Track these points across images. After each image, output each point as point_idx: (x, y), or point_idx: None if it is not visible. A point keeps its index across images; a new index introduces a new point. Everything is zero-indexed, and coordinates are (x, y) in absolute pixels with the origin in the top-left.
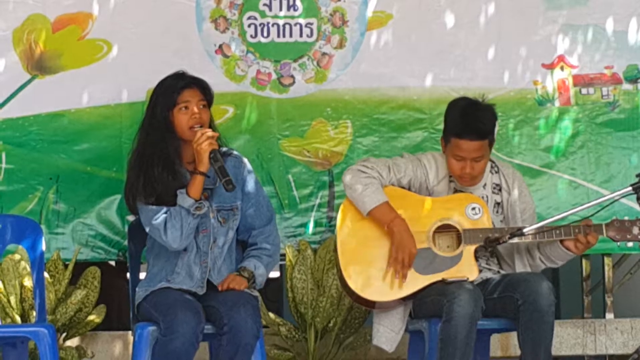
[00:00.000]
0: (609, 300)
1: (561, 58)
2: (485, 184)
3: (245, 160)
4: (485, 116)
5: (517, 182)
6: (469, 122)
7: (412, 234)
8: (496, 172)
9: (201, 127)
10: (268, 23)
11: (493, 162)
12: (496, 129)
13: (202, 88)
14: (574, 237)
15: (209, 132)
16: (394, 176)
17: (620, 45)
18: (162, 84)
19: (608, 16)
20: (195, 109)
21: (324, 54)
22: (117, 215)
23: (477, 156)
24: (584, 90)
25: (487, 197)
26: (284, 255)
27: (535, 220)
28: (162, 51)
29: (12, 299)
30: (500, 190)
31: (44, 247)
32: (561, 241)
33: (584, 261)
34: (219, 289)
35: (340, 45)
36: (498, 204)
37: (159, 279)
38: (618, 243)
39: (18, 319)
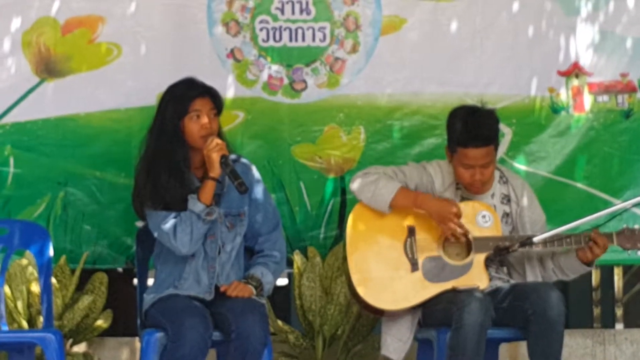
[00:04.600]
0: (618, 311)
1: (576, 65)
2: (493, 194)
3: (254, 167)
4: (488, 122)
5: (527, 192)
6: (473, 129)
7: (441, 199)
8: (505, 183)
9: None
10: (280, 27)
11: (502, 172)
12: (504, 132)
13: (213, 97)
14: (588, 245)
15: (219, 140)
16: (402, 178)
17: (636, 53)
18: (172, 90)
19: (624, 23)
20: (206, 119)
21: (337, 58)
22: (126, 221)
23: (485, 162)
24: (599, 98)
25: (495, 206)
26: (292, 262)
27: (546, 231)
28: (173, 55)
29: (19, 304)
30: (509, 201)
31: (51, 253)
32: (577, 255)
33: (593, 271)
34: (221, 290)
35: (354, 49)
36: (507, 214)
37: (166, 285)
38: (629, 252)
39: (25, 324)
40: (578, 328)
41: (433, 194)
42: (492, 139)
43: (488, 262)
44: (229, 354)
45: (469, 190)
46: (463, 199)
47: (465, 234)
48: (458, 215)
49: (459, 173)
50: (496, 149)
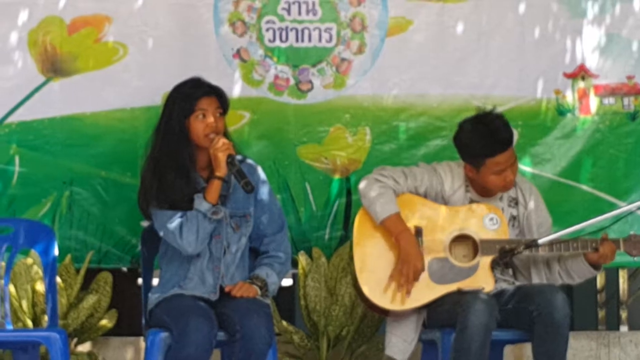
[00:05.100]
0: (623, 313)
1: (582, 67)
2: (501, 197)
3: (259, 168)
4: (503, 123)
5: (534, 196)
6: (495, 136)
7: (419, 249)
8: (513, 186)
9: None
10: (287, 27)
11: None
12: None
13: (219, 96)
14: (594, 249)
15: (226, 140)
16: (412, 183)
17: None
18: (178, 90)
19: (630, 26)
20: (212, 118)
21: (343, 59)
22: (131, 221)
23: (513, 160)
24: (605, 101)
25: (502, 209)
26: (297, 263)
27: (551, 234)
28: (179, 55)
29: (24, 303)
30: (516, 204)
31: (56, 252)
32: (585, 256)
33: (599, 274)
34: (226, 290)
35: (360, 50)
36: (514, 217)
37: (171, 284)
38: (634, 258)
39: (30, 323)
40: (583, 330)
41: (442, 197)
42: (512, 138)
43: (494, 265)
44: (234, 354)
45: (503, 191)
46: (472, 201)
47: (408, 290)
48: (417, 272)
49: (492, 181)
50: None
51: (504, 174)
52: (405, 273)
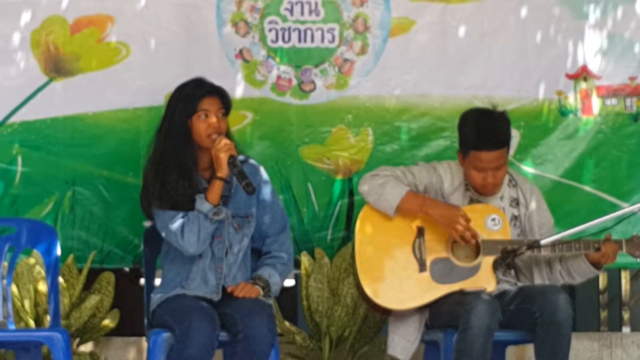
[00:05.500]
0: (625, 314)
1: (584, 68)
2: (502, 196)
3: (262, 168)
4: (501, 125)
5: (535, 196)
6: (486, 133)
7: (447, 204)
8: (514, 186)
9: (219, 135)
10: (289, 28)
11: (511, 175)
12: (512, 135)
13: (222, 96)
14: (596, 249)
15: (227, 140)
16: (411, 180)
17: None
18: (181, 90)
19: (632, 28)
20: (215, 118)
21: (345, 60)
22: (133, 221)
23: (498, 165)
24: (607, 101)
25: (503, 209)
26: (299, 263)
27: (553, 234)
28: (181, 55)
29: (27, 303)
30: (517, 204)
31: (59, 252)
32: (586, 255)
33: (600, 274)
34: (228, 290)
35: (362, 51)
36: (515, 217)
37: (173, 285)
38: (637, 259)
39: (32, 323)
40: (585, 331)
41: (442, 195)
42: (505, 142)
43: (496, 265)
44: (236, 355)
45: (480, 192)
46: (472, 200)
47: (475, 236)
48: (466, 218)
49: (472, 176)
50: (508, 151)
51: (483, 173)
52: (461, 229)
